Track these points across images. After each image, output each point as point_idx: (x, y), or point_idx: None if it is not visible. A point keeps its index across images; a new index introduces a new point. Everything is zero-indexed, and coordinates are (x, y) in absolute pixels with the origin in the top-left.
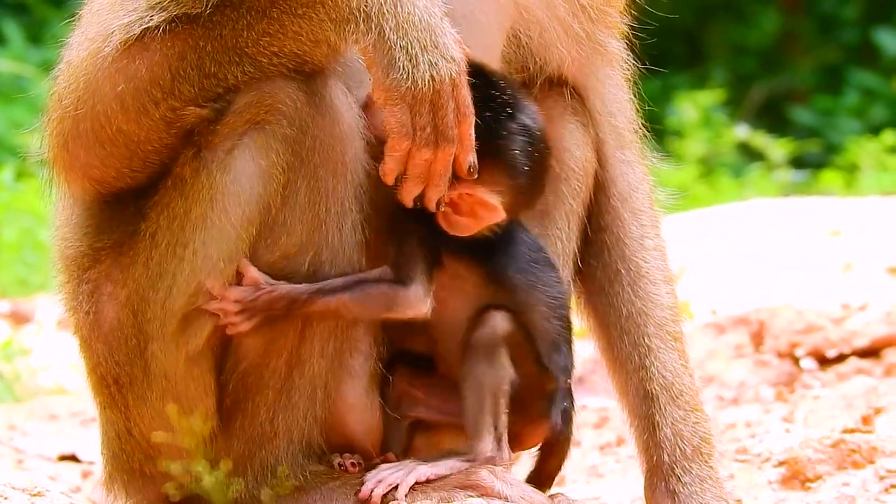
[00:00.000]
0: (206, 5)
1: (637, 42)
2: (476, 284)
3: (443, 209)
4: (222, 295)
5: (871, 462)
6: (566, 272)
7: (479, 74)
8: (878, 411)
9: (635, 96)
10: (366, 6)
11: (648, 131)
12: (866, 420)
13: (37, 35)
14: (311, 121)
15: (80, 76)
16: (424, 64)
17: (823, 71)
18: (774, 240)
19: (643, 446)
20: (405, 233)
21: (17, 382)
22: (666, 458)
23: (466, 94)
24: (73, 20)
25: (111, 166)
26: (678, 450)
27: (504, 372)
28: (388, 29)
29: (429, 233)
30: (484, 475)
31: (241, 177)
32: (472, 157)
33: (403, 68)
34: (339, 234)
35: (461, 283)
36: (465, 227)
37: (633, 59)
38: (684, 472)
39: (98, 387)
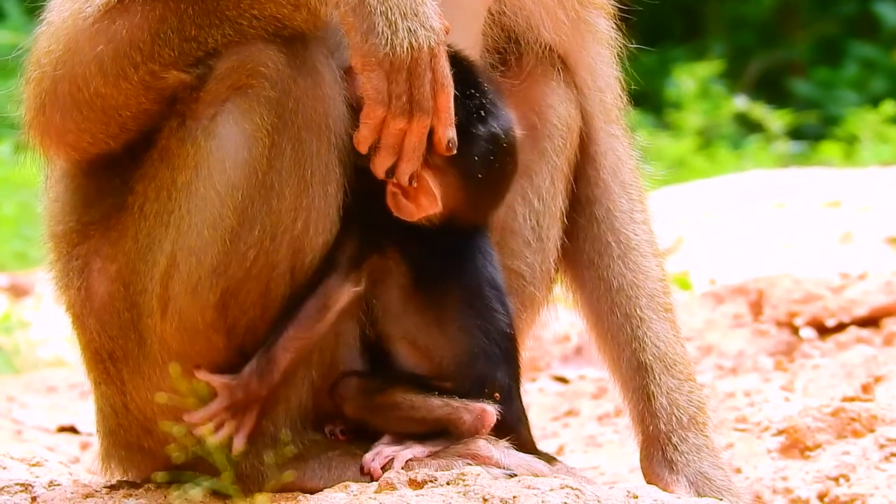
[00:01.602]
0: None
1: (635, 16)
2: (402, 285)
3: (414, 185)
4: (206, 409)
5: (871, 430)
6: (553, 231)
7: (462, 69)
8: (877, 380)
9: (632, 70)
10: None
11: (647, 103)
12: (866, 389)
13: (35, 8)
14: (293, 82)
15: (60, 37)
16: (403, 31)
17: (822, 43)
18: (773, 210)
19: (638, 417)
20: (352, 215)
21: (16, 355)
22: (662, 427)
23: (445, 66)
24: None
25: (87, 131)
26: (674, 419)
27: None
28: None
29: (381, 220)
30: (482, 444)
31: (225, 142)
32: (451, 132)
33: (382, 34)
34: (325, 197)
35: (389, 277)
36: (408, 212)
37: (631, 33)
38: (681, 441)
39: (92, 363)
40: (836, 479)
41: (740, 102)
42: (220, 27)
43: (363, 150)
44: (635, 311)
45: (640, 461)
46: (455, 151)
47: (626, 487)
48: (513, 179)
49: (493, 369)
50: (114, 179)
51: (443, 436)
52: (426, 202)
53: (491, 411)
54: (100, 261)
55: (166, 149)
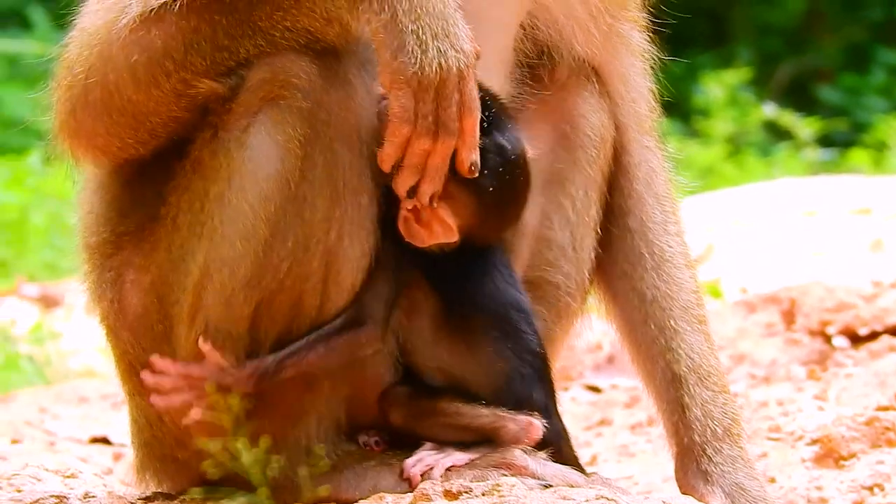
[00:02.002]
0: None
1: (663, 23)
2: (432, 316)
3: (434, 206)
4: (191, 374)
5: None
6: (588, 241)
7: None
8: None
9: (661, 78)
10: None
11: (675, 111)
12: None
13: (62, 17)
14: (325, 94)
15: (93, 45)
16: (433, 51)
17: (850, 49)
18: (803, 218)
19: (672, 429)
20: (379, 255)
21: (47, 366)
22: (697, 439)
23: (473, 89)
24: None
25: (117, 135)
26: (709, 430)
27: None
28: (401, 12)
29: (402, 252)
30: (517, 455)
31: (257, 153)
32: (474, 155)
33: (412, 52)
34: (358, 208)
35: (419, 310)
36: (419, 238)
37: (658, 41)
38: (716, 453)
39: (126, 374)
40: (870, 489)
41: (769, 110)
42: (252, 38)
43: (386, 168)
44: (669, 322)
45: (675, 472)
46: (477, 174)
47: (661, 498)
48: (524, 203)
49: (528, 390)
50: (148, 191)
51: (485, 444)
52: (439, 229)
53: (537, 424)
54: (133, 272)
55: (199, 160)
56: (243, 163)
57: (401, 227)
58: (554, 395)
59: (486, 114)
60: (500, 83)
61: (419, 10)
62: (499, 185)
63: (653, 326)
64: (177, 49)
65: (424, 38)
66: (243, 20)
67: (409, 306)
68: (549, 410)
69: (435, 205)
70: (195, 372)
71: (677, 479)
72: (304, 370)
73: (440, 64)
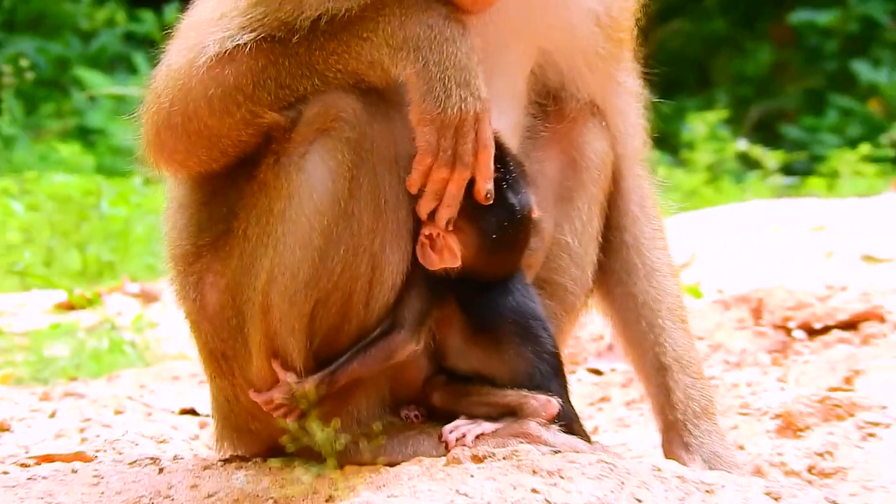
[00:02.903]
0: (288, 32)
1: (656, 71)
2: (463, 329)
3: (450, 228)
4: (267, 393)
5: (852, 415)
6: (591, 248)
7: (497, 149)
8: (856, 373)
9: (653, 116)
10: (418, 40)
11: (665, 144)
12: (847, 380)
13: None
14: (368, 126)
15: (177, 79)
16: (456, 97)
17: (809, 95)
18: (769, 233)
19: (659, 408)
20: (410, 275)
21: (146, 350)
22: (680, 416)
23: (488, 129)
24: (172, 31)
25: (194, 154)
26: (689, 410)
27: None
28: (432, 62)
29: (440, 278)
30: (533, 426)
31: (312, 176)
32: (489, 185)
33: (438, 97)
34: (397, 221)
35: (452, 324)
36: (430, 262)
37: (652, 86)
38: (695, 428)
39: (208, 360)
40: (822, 455)
41: (742, 144)
42: (310, 78)
43: (413, 190)
44: (657, 321)
45: (662, 444)
46: (492, 201)
47: (651, 462)
48: (524, 250)
49: (546, 382)
50: (221, 208)
51: (509, 417)
52: (448, 256)
53: (555, 402)
54: (211, 276)
55: (264, 182)
56: (301, 184)
57: (417, 250)
58: (566, 387)
59: (507, 175)
60: (516, 118)
61: (447, 63)
62: (502, 235)
63: (644, 324)
64: (246, 85)
65: (449, 85)
66: (303, 63)
67: (441, 321)
68: (562, 397)
69: (450, 228)
70: (275, 396)
71: (664, 450)
72: (353, 377)
73: (460, 108)
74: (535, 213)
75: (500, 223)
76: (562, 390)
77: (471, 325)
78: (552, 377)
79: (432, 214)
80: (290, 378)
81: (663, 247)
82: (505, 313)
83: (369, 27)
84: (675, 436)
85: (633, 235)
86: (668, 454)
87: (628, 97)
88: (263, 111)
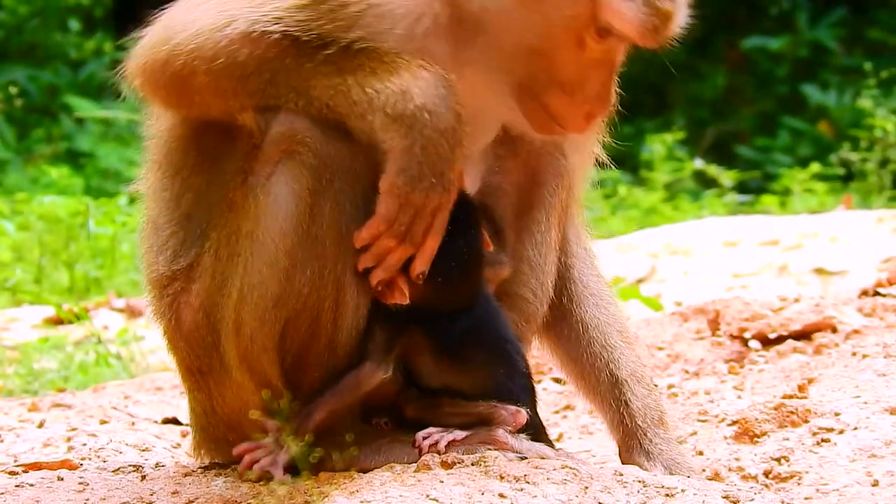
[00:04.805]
0: (312, 35)
1: (616, 94)
2: (432, 353)
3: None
4: (251, 450)
5: (806, 421)
6: (550, 258)
7: (459, 200)
8: (810, 381)
9: (614, 137)
10: (415, 118)
11: (625, 163)
12: (801, 388)
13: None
14: (329, 157)
15: (195, 33)
16: (427, 182)
17: (761, 117)
18: (725, 248)
19: (617, 419)
20: (377, 304)
21: (131, 362)
22: (640, 423)
23: (444, 219)
24: None
25: (174, 95)
26: (648, 418)
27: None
28: (418, 145)
29: (401, 309)
30: (501, 433)
31: (278, 198)
32: (425, 268)
33: (412, 177)
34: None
35: (420, 350)
36: (381, 296)
37: (613, 109)
38: (654, 435)
39: (185, 375)
40: (778, 460)
41: (698, 163)
42: (298, 96)
43: (357, 246)
44: (609, 340)
45: (620, 454)
46: (421, 283)
47: (613, 467)
48: (476, 284)
49: (516, 396)
50: (194, 229)
51: (481, 426)
52: (397, 295)
53: (524, 413)
54: (185, 296)
55: (233, 201)
56: (268, 206)
57: (371, 281)
58: (535, 403)
59: (462, 215)
60: (483, 145)
61: (431, 151)
62: (448, 277)
63: (597, 346)
64: (247, 67)
65: (425, 171)
66: (303, 78)
67: (410, 347)
68: (531, 409)
69: (380, 288)
70: (258, 454)
71: (622, 459)
72: (328, 409)
73: (427, 194)
74: (490, 247)
75: (446, 270)
76: (531, 406)
77: (439, 349)
78: (524, 394)
79: (368, 271)
80: (274, 423)
81: (602, 277)
82: (476, 337)
83: (376, 86)
84: (636, 444)
85: (579, 270)
86: (628, 462)
87: (588, 149)
88: (245, 101)
